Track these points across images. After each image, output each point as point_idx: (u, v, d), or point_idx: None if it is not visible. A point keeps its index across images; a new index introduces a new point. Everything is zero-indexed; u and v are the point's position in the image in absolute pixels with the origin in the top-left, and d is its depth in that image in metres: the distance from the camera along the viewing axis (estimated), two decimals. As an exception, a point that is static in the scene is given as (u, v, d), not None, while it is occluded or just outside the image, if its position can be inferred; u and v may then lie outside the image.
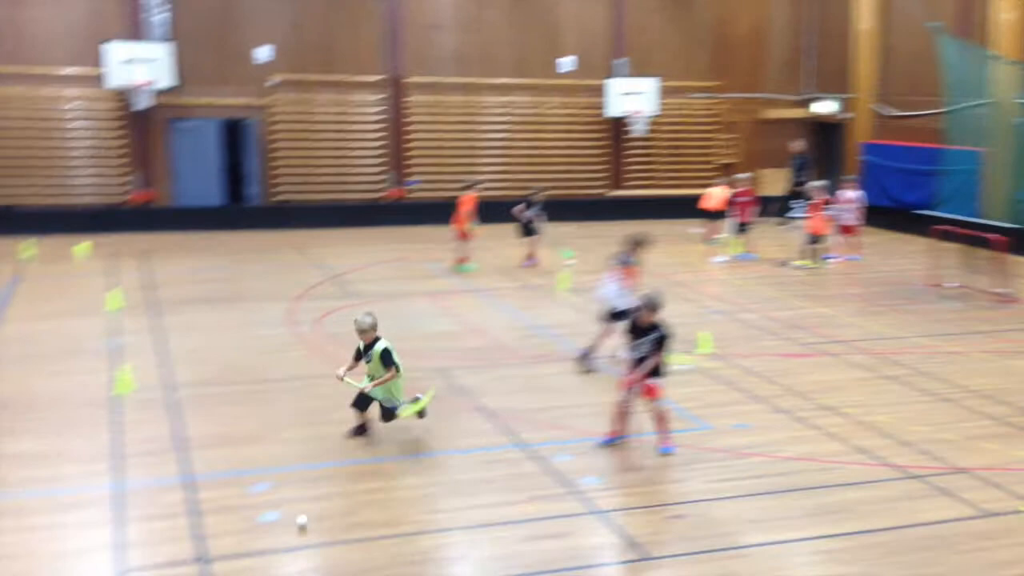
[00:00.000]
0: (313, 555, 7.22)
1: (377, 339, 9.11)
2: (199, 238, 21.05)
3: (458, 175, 22.21)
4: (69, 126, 21.54)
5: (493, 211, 18.86)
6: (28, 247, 18.67)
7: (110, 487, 8.16)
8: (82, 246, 18.97)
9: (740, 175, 21.03)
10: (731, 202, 19.86)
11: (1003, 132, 19.01)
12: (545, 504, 7.98)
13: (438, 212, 19.12)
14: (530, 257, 18.31)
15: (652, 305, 9.02)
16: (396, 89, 23.75)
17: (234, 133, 23.11)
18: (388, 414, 9.24)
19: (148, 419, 9.81)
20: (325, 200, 23.19)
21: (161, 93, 21.30)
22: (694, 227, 21.53)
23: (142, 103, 21.17)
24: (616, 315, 11.21)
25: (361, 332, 9.14)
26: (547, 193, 19.15)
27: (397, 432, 9.61)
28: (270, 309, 14.71)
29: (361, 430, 9.38)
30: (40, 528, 7.41)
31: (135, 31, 21.47)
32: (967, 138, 19.26)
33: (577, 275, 16.91)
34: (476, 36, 24.21)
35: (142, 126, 21.94)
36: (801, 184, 22.36)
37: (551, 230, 18.93)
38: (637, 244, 11.98)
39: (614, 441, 9.17)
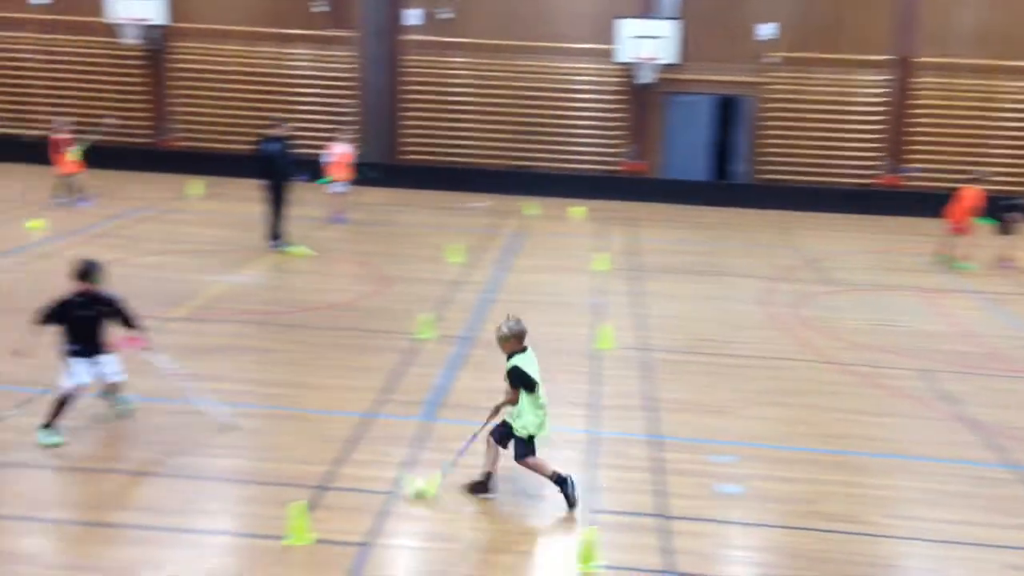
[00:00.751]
0: (767, 535, 7.19)
1: (516, 351, 7.24)
2: (683, 211, 21.66)
3: (962, 165, 20.45)
4: (577, 97, 23.25)
5: (998, 207, 17.19)
6: (531, 206, 20.58)
7: (586, 432, 8.80)
8: (577, 209, 20.49)
9: None
10: None
11: None
12: (1034, 535, 7.15)
13: (935, 204, 17.72)
14: (1005, 259, 16.60)
15: None
16: (903, 69, 22.33)
17: (726, 109, 23.37)
18: (504, 439, 7.33)
19: (623, 375, 10.40)
20: (812, 182, 22.60)
21: (663, 68, 22.15)
22: None
23: (645, 77, 22.21)
24: None
25: (498, 341, 7.31)
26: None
27: (867, 428, 9.18)
28: (745, 286, 14.76)
29: (482, 482, 7.40)
30: (525, 457, 8.22)
31: (647, 8, 22.51)
32: None
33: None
34: (1001, 13, 21.92)
35: (641, 99, 23.02)
36: None
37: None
38: None
39: None
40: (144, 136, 23.77)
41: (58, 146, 18.31)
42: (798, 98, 22.58)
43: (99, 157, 22.44)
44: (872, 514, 7.47)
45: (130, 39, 22.65)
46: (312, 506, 7.06)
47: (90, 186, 18.89)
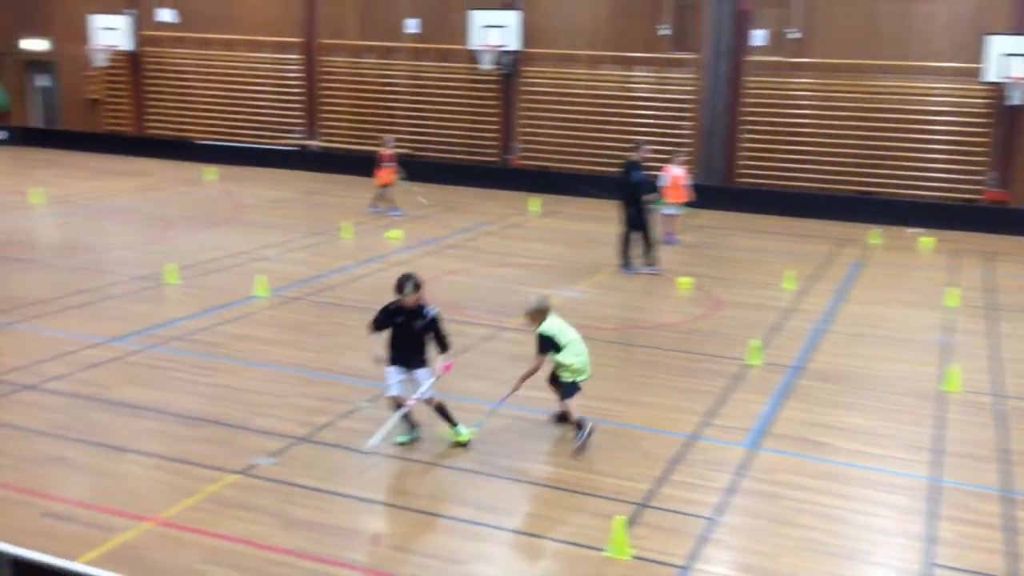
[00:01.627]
0: None
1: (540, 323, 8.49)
2: (1053, 245, 19.50)
3: None
4: (934, 120, 21.65)
5: None
6: (875, 234, 19.44)
7: (926, 479, 8.15)
8: (926, 240, 19.06)
9: None
10: None
11: None
12: None
13: None
14: None
15: None
16: None
17: (1115, 135, 20.71)
18: (555, 385, 8.87)
19: (972, 422, 9.52)
20: None
21: (1038, 89, 20.10)
22: None
23: (1016, 99, 20.25)
24: None
25: (527, 316, 8.55)
26: None
27: None
28: None
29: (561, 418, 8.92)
30: (856, 499, 7.76)
31: (1022, 24, 20.53)
32: None
33: None
34: None
35: (1009, 123, 21.01)
36: None
37: None
38: None
39: None
40: (492, 155, 25.29)
41: (381, 160, 20.03)
42: None
43: (452, 174, 24.33)
44: None
45: (487, 64, 24.23)
46: (632, 522, 7.12)
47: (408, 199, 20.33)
